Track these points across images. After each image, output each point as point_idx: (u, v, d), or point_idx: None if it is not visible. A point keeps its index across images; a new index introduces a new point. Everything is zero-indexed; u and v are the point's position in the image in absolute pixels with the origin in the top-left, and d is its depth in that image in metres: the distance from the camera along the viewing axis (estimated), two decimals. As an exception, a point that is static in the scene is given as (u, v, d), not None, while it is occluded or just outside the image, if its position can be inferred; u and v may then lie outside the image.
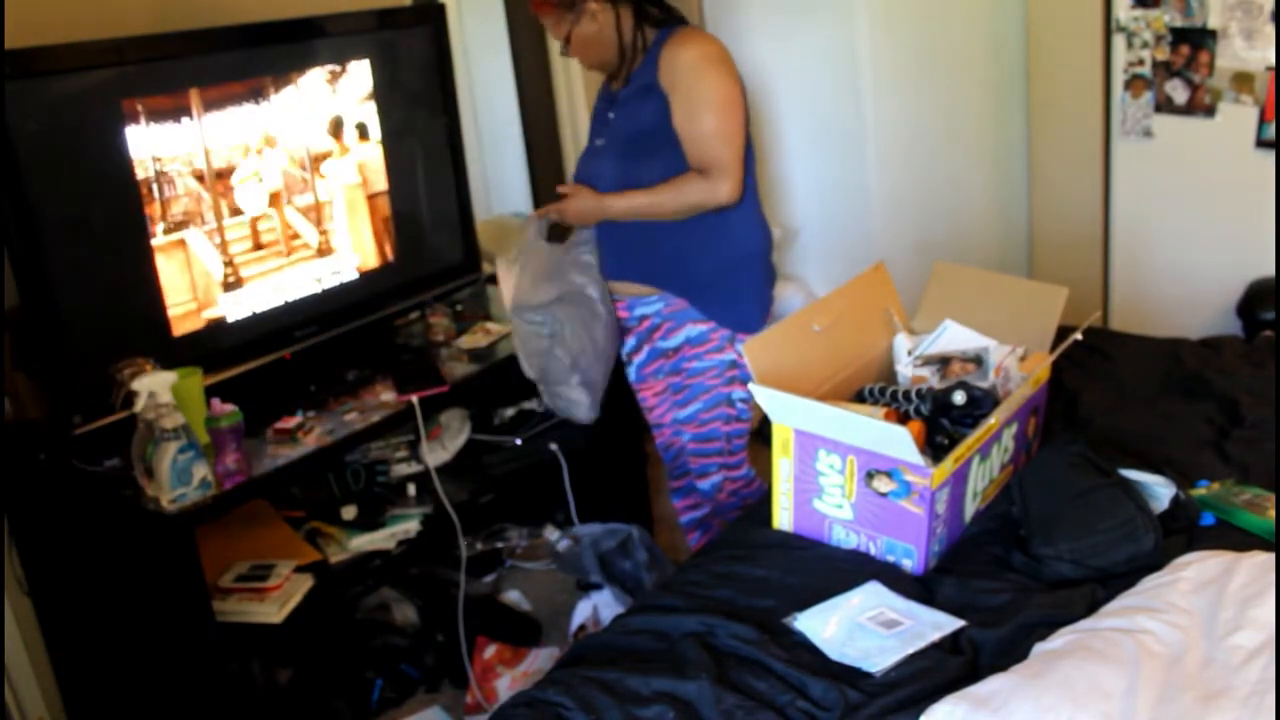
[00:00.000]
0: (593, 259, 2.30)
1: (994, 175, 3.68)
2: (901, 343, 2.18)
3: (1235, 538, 1.71)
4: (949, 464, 1.73)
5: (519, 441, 2.71)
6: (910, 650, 1.52)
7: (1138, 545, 1.67)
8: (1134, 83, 3.26)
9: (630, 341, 2.38)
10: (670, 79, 2.11)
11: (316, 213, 2.38)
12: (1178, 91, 3.17)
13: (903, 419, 1.90)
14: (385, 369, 2.43)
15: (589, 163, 2.30)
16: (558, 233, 2.31)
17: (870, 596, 1.67)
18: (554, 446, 2.68)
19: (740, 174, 2.12)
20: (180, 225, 2.13)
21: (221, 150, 2.18)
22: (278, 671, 2.38)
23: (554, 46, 3.29)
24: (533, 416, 2.80)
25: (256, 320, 2.29)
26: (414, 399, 2.26)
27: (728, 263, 2.23)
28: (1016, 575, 1.71)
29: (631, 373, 2.43)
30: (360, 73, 2.43)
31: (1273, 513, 1.74)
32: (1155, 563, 1.61)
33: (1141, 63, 3.22)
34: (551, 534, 2.99)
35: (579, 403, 2.33)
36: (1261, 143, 3.05)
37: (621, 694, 1.48)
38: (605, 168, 2.24)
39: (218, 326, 2.23)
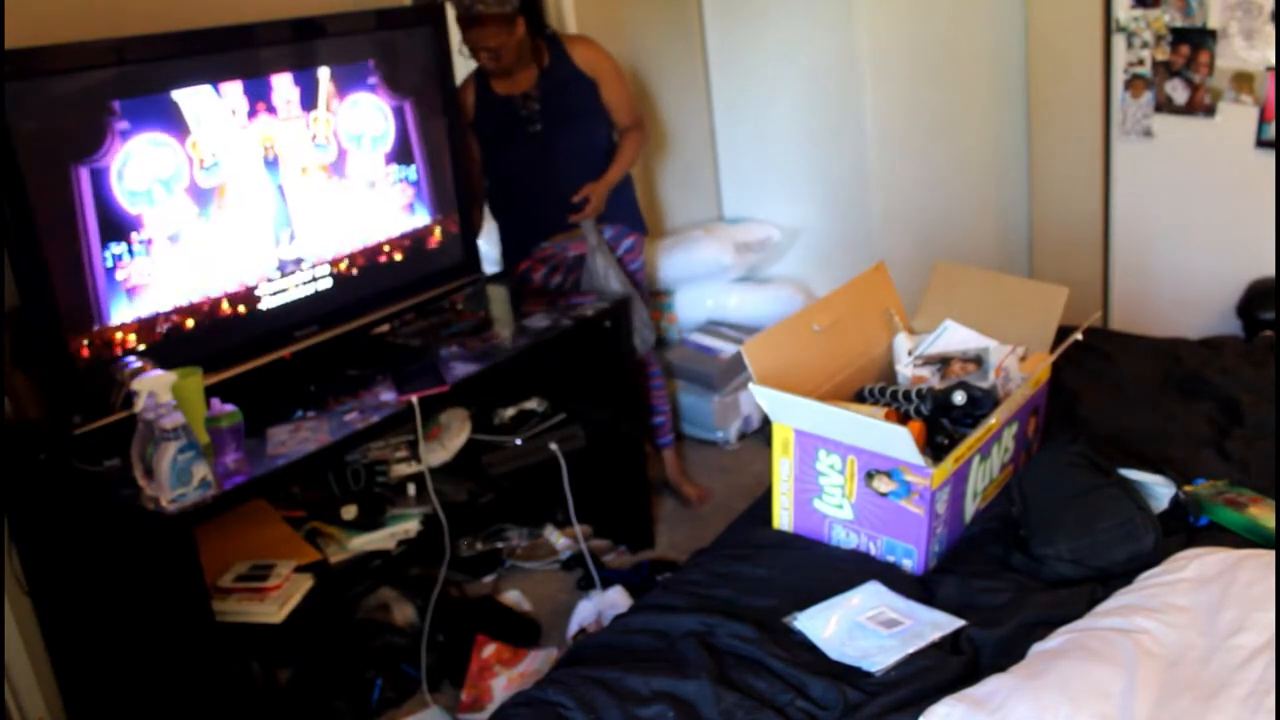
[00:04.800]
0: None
1: (994, 175, 3.68)
2: (901, 343, 2.18)
3: (1234, 536, 1.71)
4: (949, 464, 1.73)
5: (519, 441, 2.70)
6: (910, 650, 1.52)
7: (1138, 545, 1.67)
8: (1134, 83, 3.26)
9: None
10: None
11: (316, 211, 2.38)
12: (1178, 91, 3.17)
13: (903, 419, 1.90)
14: (385, 369, 2.43)
15: None
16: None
17: (870, 596, 1.67)
18: (554, 446, 2.68)
19: None
20: (180, 225, 2.13)
21: (221, 150, 2.18)
22: (278, 671, 2.38)
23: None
24: (533, 416, 2.80)
25: (256, 320, 2.29)
26: (414, 399, 2.26)
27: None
28: (1016, 575, 1.71)
29: None
30: (360, 73, 2.43)
31: (1252, 510, 1.74)
32: (1155, 563, 1.61)
33: (1141, 63, 3.22)
34: (551, 534, 2.99)
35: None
36: (1261, 143, 3.05)
37: (621, 693, 1.48)
38: None
39: (218, 326, 2.23)
